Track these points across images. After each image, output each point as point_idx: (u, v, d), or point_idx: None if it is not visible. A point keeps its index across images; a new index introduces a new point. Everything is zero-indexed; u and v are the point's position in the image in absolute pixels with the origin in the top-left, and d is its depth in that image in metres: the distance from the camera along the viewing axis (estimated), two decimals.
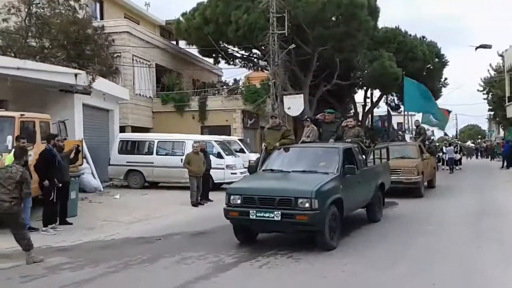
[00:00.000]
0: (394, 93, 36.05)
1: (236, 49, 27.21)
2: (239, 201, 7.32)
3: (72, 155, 10.07)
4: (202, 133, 21.96)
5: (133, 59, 23.88)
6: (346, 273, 6.16)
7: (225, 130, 22.88)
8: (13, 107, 13.79)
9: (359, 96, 37.42)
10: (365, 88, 34.61)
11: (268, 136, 9.84)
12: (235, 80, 28.07)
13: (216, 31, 24.13)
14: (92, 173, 15.77)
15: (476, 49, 25.56)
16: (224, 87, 27.21)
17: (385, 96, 36.80)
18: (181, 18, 26.51)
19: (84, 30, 19.80)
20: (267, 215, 6.96)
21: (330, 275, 6.11)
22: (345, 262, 6.62)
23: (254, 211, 7.05)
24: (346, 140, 9.64)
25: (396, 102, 38.83)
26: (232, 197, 7.42)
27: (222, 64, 29.35)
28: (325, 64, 26.40)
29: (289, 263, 6.64)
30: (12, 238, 8.04)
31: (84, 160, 15.26)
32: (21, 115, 10.20)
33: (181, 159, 14.38)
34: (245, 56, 28.50)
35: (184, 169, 13.37)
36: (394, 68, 27.56)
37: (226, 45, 26.47)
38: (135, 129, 22.35)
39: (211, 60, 29.74)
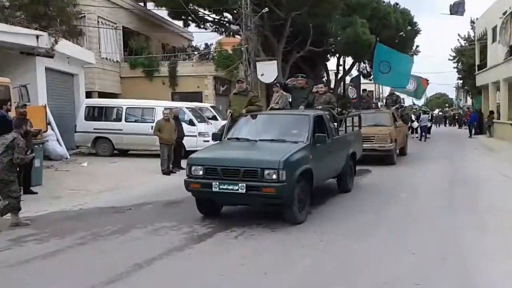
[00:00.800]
0: (366, 61, 35.94)
1: (207, 12, 26.33)
2: (201, 172, 6.79)
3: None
4: (172, 100, 21.38)
5: (98, 21, 22.85)
6: (324, 242, 6.03)
7: (196, 96, 22.35)
8: None
9: (331, 63, 37.25)
10: (337, 55, 34.36)
11: (234, 102, 9.23)
12: (206, 45, 27.30)
13: None
14: (58, 140, 15.15)
15: (450, 13, 25.46)
16: (195, 52, 26.47)
17: (357, 63, 36.71)
18: None
19: None
20: (231, 187, 6.47)
21: (308, 243, 5.96)
22: (322, 232, 6.49)
23: (217, 183, 6.55)
24: (317, 107, 9.28)
25: (368, 69, 38.79)
26: (193, 168, 6.88)
27: (193, 28, 28.53)
28: (298, 30, 25.89)
29: (265, 233, 6.46)
30: None
31: (49, 126, 14.62)
32: None
33: (151, 126, 13.94)
34: (216, 20, 27.60)
35: (155, 137, 12.94)
36: (368, 35, 27.26)
37: (196, 8, 25.57)
38: (102, 95, 21.57)
39: (180, 24, 28.75)
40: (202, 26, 27.64)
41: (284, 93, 9.67)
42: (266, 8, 21.83)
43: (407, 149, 17.11)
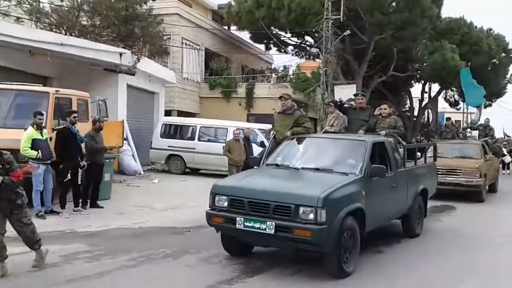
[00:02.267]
0: (454, 88, 33.88)
1: (288, 35, 26.20)
2: (225, 204, 5.64)
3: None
4: (248, 121, 21.28)
5: (182, 42, 23.50)
6: None
7: (271, 118, 22.04)
8: (57, 85, 13.64)
9: (416, 90, 35.53)
10: (423, 81, 32.68)
11: (277, 123, 7.89)
12: (284, 67, 27.12)
13: (268, 15, 23.19)
14: (133, 156, 15.49)
15: None
16: (273, 74, 26.36)
17: (444, 91, 34.70)
18: (232, 2, 25.80)
19: (133, 8, 19.47)
20: (257, 225, 5.27)
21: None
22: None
23: (242, 219, 5.38)
24: (379, 132, 7.79)
25: (456, 97, 36.58)
26: (217, 198, 5.74)
27: (274, 52, 28.54)
28: (382, 54, 24.88)
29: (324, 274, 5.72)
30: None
31: (126, 142, 14.98)
32: (56, 91, 9.82)
33: (223, 147, 13.76)
34: (297, 43, 27.44)
35: (225, 157, 12.71)
36: (457, 61, 25.58)
37: (278, 31, 25.55)
38: (181, 114, 22.01)
39: (262, 47, 28.92)
40: (283, 50, 27.59)
41: (341, 114, 8.43)
42: (348, 31, 21.20)
43: (498, 185, 15.44)
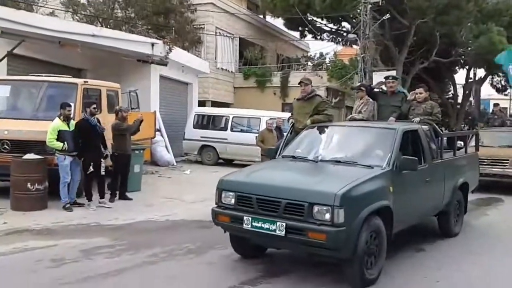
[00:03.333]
0: (501, 73, 32.15)
1: (324, 22, 25.49)
2: (232, 201, 5.06)
3: (135, 128, 9.36)
4: (283, 110, 20.81)
5: (216, 32, 23.24)
6: None
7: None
8: (91, 76, 13.67)
9: (460, 76, 34.04)
10: (467, 67, 31.17)
11: (296, 110, 7.28)
12: (321, 54, 26.43)
13: (303, 1, 22.60)
14: (166, 147, 15.38)
15: None
16: (309, 62, 25.74)
17: (490, 76, 33.02)
18: None
19: None
20: (266, 226, 4.66)
21: None
22: None
23: (250, 219, 4.77)
24: (413, 120, 6.91)
25: (503, 83, 34.75)
26: (224, 194, 5.14)
27: (309, 39, 27.88)
28: (423, 39, 23.76)
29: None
30: (57, 212, 7.71)
31: (158, 133, 14.89)
32: (85, 81, 9.73)
33: (256, 137, 13.40)
34: (333, 30, 26.67)
35: (257, 147, 12.34)
36: (505, 44, 24.14)
37: (313, 18, 24.87)
38: (216, 104, 21.81)
39: (297, 34, 28.31)
40: (318, 37, 26.92)
41: (370, 100, 7.71)
42: (388, 15, 20.31)
43: None
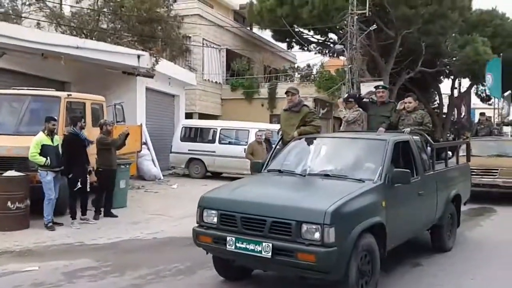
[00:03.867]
0: (485, 83, 32.52)
1: (311, 33, 25.52)
2: (215, 220, 4.71)
3: (120, 142, 9.09)
4: (271, 122, 20.67)
5: (203, 43, 23.08)
6: None
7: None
8: (76, 89, 13.36)
9: (445, 86, 34.34)
10: (452, 77, 31.46)
11: (284, 122, 6.97)
12: (308, 65, 26.41)
13: (290, 13, 22.60)
14: (153, 160, 15.09)
15: None
16: (296, 73, 25.69)
17: (475, 86, 33.37)
18: (254, 0, 25.28)
19: (154, 9, 19.14)
20: (251, 247, 4.32)
21: None
22: None
23: (233, 239, 4.44)
24: (403, 130, 6.72)
25: (488, 93, 35.11)
26: (205, 212, 4.80)
27: (296, 50, 27.89)
28: (409, 49, 23.87)
29: None
30: (39, 232, 7.38)
31: (145, 146, 14.61)
32: (68, 95, 9.47)
33: (244, 149, 13.21)
34: (320, 41, 26.71)
35: (246, 160, 12.13)
36: (489, 54, 24.48)
37: (300, 30, 24.89)
38: (203, 116, 21.59)
39: (284, 46, 28.31)
40: (306, 48, 26.93)
41: (361, 110, 7.61)
42: (374, 26, 20.38)
43: None
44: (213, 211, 4.73)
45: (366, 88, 20.56)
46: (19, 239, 7.00)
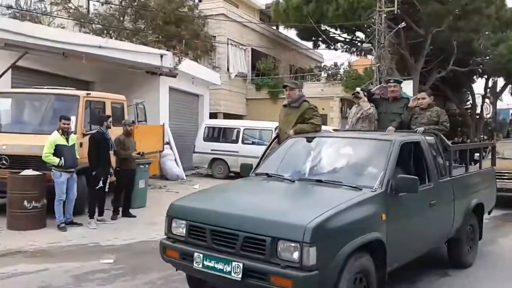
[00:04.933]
0: None
1: (337, 32, 25.07)
2: (183, 231, 4.11)
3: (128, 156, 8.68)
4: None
5: (228, 43, 22.94)
6: None
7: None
8: (100, 89, 13.39)
9: (478, 85, 33.23)
10: (486, 76, 30.39)
11: (281, 119, 6.28)
12: (335, 64, 25.93)
13: (316, 11, 22.28)
14: (175, 160, 14.99)
15: None
16: (322, 72, 25.26)
17: (510, 85, 32.14)
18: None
19: (179, 8, 19.10)
20: (219, 266, 3.71)
21: None
22: None
23: (201, 256, 3.83)
24: (416, 129, 5.90)
25: None
26: (174, 222, 4.21)
27: (323, 49, 27.50)
28: (440, 48, 23.20)
29: None
30: (55, 231, 7.29)
31: (168, 146, 14.52)
32: (87, 94, 9.37)
33: None
34: (347, 39, 26.22)
35: None
36: None
37: (327, 28, 24.48)
38: (228, 116, 21.43)
39: (310, 45, 27.93)
40: (332, 47, 26.49)
41: (372, 106, 6.61)
42: (403, 23, 19.79)
43: None
44: (182, 222, 4.11)
45: None
46: (34, 239, 6.91)
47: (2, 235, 7.11)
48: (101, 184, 7.87)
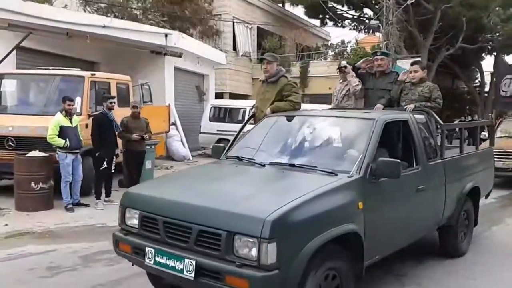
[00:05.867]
0: None
1: (345, 8, 24.70)
2: (136, 222, 3.72)
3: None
4: (303, 102, 20.18)
5: (233, 21, 22.68)
6: None
7: (327, 98, 20.83)
8: (105, 69, 13.33)
9: (487, 63, 32.75)
10: (495, 53, 29.90)
11: (258, 96, 5.79)
12: (342, 41, 25.63)
13: None
14: (182, 141, 14.99)
15: None
16: (329, 51, 24.98)
17: None
18: None
19: None
20: (171, 263, 3.31)
21: None
22: None
23: (152, 251, 3.44)
24: (405, 107, 5.35)
25: None
26: (128, 212, 3.82)
27: (330, 26, 27.15)
28: (449, 24, 22.77)
29: None
30: (62, 213, 7.34)
31: (173, 127, 14.49)
32: (92, 74, 9.30)
33: None
34: (355, 16, 25.85)
35: None
36: None
37: (334, 5, 24.11)
38: (234, 96, 21.31)
39: (317, 22, 27.56)
40: (339, 24, 26.15)
41: (359, 81, 6.05)
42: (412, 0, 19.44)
43: None
44: (135, 211, 3.71)
45: (403, 65, 19.72)
46: (42, 219, 6.95)
47: (10, 216, 7.15)
48: (105, 165, 7.83)
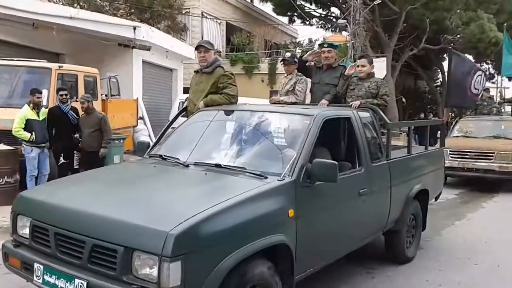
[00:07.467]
0: (489, 61, 32.08)
1: (313, 7, 25.00)
2: (26, 231, 3.26)
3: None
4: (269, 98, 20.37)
5: (202, 16, 22.59)
6: None
7: None
8: (70, 61, 13.04)
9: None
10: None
11: (192, 87, 5.26)
12: (310, 40, 25.95)
13: None
14: (149, 135, 14.85)
15: None
16: (297, 48, 25.24)
17: (479, 64, 32.83)
18: None
19: None
20: (61, 284, 2.85)
21: None
22: None
23: (41, 268, 2.99)
24: (351, 103, 5.00)
25: (492, 71, 34.68)
26: (20, 220, 3.34)
27: (298, 24, 27.40)
28: (413, 25, 23.42)
29: None
30: None
31: (141, 121, 14.37)
32: (59, 67, 9.16)
33: None
34: (323, 15, 26.20)
35: None
36: (495, 31, 23.94)
37: (302, 3, 24.38)
38: None
39: (285, 20, 27.80)
40: (307, 22, 26.44)
41: (302, 76, 5.72)
42: (378, 0, 19.87)
43: None
44: (28, 220, 3.23)
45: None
46: (7, 215, 6.78)
47: None
48: (62, 160, 7.67)
